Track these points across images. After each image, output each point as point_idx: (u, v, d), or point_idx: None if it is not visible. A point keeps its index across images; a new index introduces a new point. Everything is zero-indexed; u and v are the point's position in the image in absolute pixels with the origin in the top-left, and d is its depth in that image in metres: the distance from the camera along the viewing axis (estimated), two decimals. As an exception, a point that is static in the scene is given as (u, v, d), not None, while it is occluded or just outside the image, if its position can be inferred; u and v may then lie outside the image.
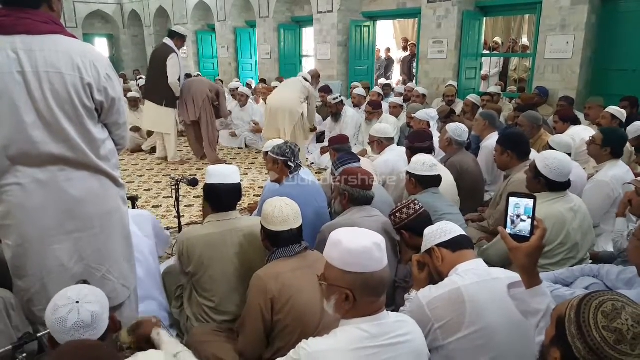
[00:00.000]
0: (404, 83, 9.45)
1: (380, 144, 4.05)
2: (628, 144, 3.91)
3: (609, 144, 3.24)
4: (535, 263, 1.33)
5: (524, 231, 1.32)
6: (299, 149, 3.18)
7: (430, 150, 3.52)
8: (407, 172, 2.89)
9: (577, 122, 4.71)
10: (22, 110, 1.66)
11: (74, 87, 1.70)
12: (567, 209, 2.50)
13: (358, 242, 1.38)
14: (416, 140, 3.54)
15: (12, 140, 1.68)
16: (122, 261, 2.04)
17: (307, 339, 1.41)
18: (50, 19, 1.71)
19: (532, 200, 1.33)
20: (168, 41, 6.04)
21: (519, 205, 1.34)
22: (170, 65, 5.86)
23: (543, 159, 2.56)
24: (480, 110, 5.62)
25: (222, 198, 2.35)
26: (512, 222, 1.34)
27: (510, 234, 1.33)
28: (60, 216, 1.80)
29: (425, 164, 2.81)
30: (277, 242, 2.06)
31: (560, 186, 2.54)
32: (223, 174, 2.35)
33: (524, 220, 1.33)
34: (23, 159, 1.71)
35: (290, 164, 3.02)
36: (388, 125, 4.31)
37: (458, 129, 3.77)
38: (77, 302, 1.45)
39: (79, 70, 1.70)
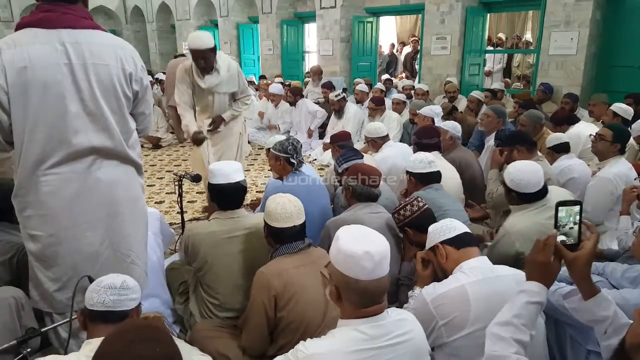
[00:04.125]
0: (407, 79, 9.43)
1: (374, 143, 4.04)
2: (634, 141, 3.89)
3: (619, 140, 3.21)
4: (590, 269, 1.32)
5: (572, 238, 1.32)
6: (301, 145, 3.16)
7: (437, 146, 3.50)
8: (406, 171, 2.88)
9: (574, 121, 4.64)
10: (67, 100, 1.73)
11: (117, 77, 1.81)
12: (546, 218, 2.37)
13: (350, 245, 1.34)
14: (424, 137, 3.53)
15: (55, 129, 1.73)
16: (144, 249, 2.13)
17: (305, 340, 1.40)
18: (87, 14, 1.81)
19: (579, 206, 1.32)
20: None
21: (568, 213, 1.33)
22: None
23: (507, 174, 2.49)
24: (485, 106, 5.60)
25: (228, 197, 2.35)
26: (563, 231, 1.33)
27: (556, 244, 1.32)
28: (93, 203, 1.87)
29: (423, 161, 2.79)
30: (280, 238, 2.05)
31: (533, 197, 2.42)
32: (226, 172, 2.35)
33: (572, 228, 1.32)
34: (62, 148, 1.76)
35: (292, 160, 3.00)
36: (380, 123, 4.26)
37: (456, 126, 3.98)
38: (118, 275, 1.61)
39: (121, 62, 1.82)
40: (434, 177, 2.80)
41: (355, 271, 1.33)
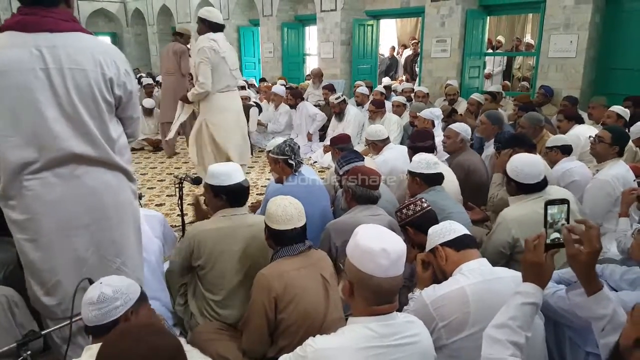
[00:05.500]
0: (407, 81, 9.44)
1: (375, 145, 4.05)
2: (632, 144, 3.90)
3: (618, 142, 3.22)
4: (595, 267, 1.31)
5: (561, 237, 1.31)
6: (299, 146, 3.19)
7: (431, 149, 3.52)
8: (410, 172, 2.88)
9: (581, 120, 4.69)
10: (44, 106, 1.70)
11: (96, 82, 1.75)
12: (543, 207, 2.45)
13: (367, 241, 1.37)
14: (418, 140, 3.55)
15: (34, 135, 1.71)
16: (136, 254, 2.08)
17: (313, 337, 1.41)
18: (69, 16, 1.77)
19: (567, 205, 1.32)
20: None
21: (557, 211, 1.32)
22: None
23: (509, 164, 2.59)
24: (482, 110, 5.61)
25: (238, 194, 2.38)
26: (556, 228, 1.32)
27: (547, 243, 1.32)
28: (78, 208, 1.84)
29: (428, 162, 2.81)
30: (280, 240, 2.06)
31: (532, 188, 2.51)
32: (229, 173, 2.36)
33: (564, 224, 1.32)
34: (44, 154, 1.74)
35: (290, 161, 3.02)
36: (380, 126, 4.28)
37: (467, 129, 3.91)
38: (101, 282, 1.59)
39: (101, 66, 1.76)
40: (438, 179, 2.82)
41: (371, 267, 1.35)
